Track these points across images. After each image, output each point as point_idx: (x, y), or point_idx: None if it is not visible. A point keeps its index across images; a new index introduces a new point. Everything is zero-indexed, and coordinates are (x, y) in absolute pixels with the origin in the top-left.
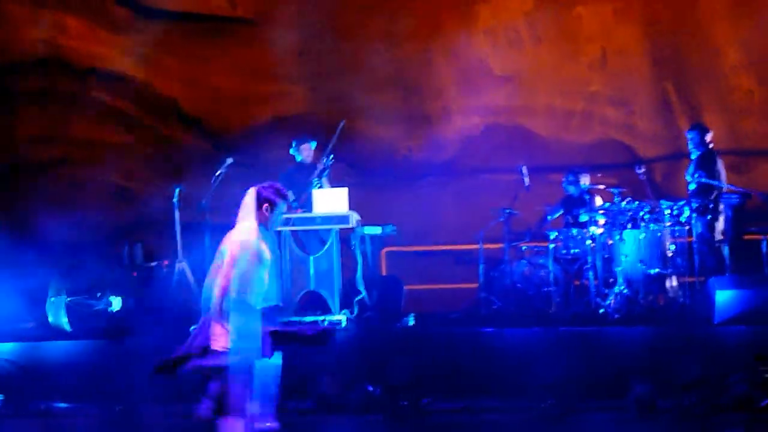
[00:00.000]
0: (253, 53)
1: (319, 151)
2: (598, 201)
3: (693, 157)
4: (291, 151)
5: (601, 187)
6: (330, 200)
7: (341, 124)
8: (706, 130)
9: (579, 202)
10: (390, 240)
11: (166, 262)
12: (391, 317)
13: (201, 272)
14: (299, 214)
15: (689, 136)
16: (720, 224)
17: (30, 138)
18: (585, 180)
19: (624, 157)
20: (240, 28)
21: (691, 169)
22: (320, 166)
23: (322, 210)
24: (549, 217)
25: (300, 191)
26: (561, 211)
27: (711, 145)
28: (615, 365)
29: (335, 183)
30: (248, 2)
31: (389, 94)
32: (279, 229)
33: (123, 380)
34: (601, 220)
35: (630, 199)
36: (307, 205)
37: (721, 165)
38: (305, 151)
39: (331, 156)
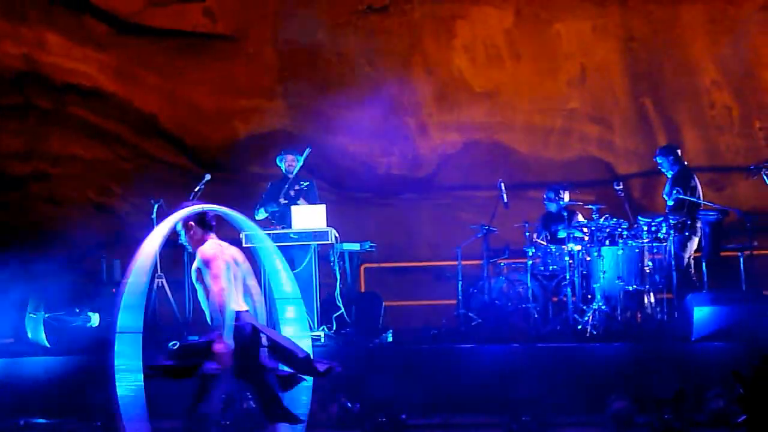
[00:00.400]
0: (233, 69)
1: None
2: (581, 217)
3: (669, 175)
4: (277, 162)
5: (579, 203)
6: (308, 216)
7: (307, 151)
8: (674, 149)
9: (558, 218)
10: (368, 256)
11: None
12: (370, 333)
13: (179, 288)
14: (278, 231)
15: (659, 160)
16: (695, 242)
17: (7, 153)
18: (565, 196)
19: (602, 173)
20: (220, 45)
21: (667, 188)
22: (296, 185)
23: (300, 226)
24: (537, 238)
25: (278, 204)
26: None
27: (685, 162)
28: (593, 381)
29: (313, 200)
30: (228, 19)
31: (367, 110)
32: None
33: (102, 396)
34: (580, 237)
35: (608, 215)
36: (286, 221)
37: (696, 181)
38: (287, 162)
39: (305, 183)
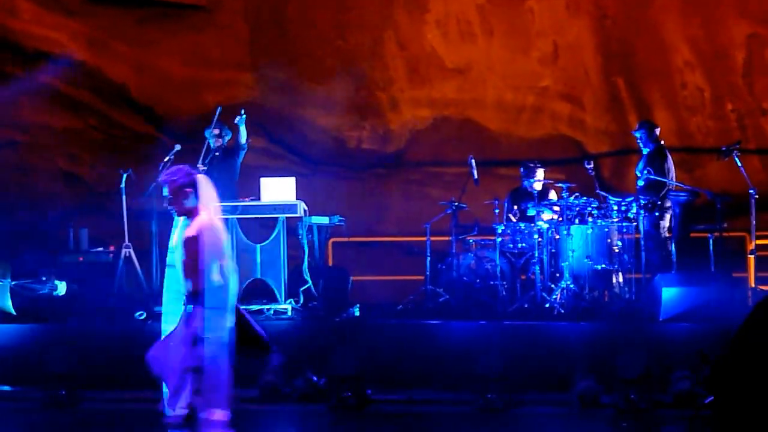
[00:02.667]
0: (204, 40)
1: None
2: (553, 195)
3: (645, 152)
4: (206, 133)
5: (551, 181)
6: (278, 189)
7: (218, 110)
8: (654, 127)
9: (528, 195)
10: (337, 230)
11: (112, 248)
12: (337, 307)
13: (146, 258)
14: (247, 202)
15: (637, 134)
16: (667, 221)
17: None
18: (538, 173)
19: (573, 152)
20: (191, 15)
21: (640, 165)
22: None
23: (270, 198)
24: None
25: (212, 172)
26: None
27: (661, 142)
28: (559, 360)
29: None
30: None
31: (338, 83)
32: (226, 216)
33: (66, 363)
34: (550, 215)
35: (578, 194)
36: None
37: (671, 162)
38: (214, 135)
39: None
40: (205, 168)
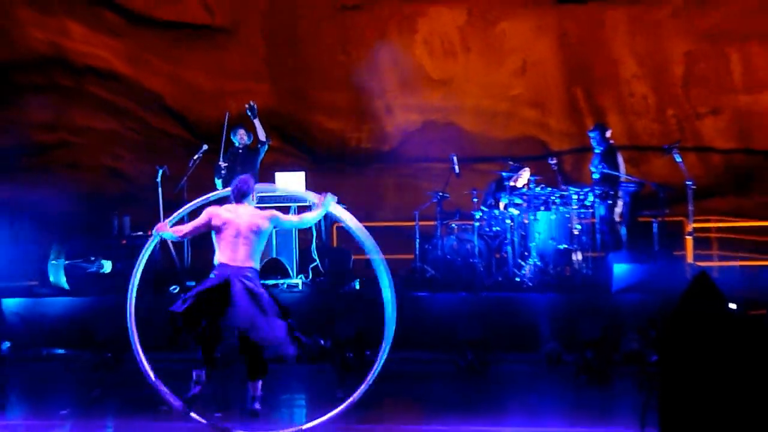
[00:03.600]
0: (227, 56)
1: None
2: (525, 177)
3: (597, 151)
4: (231, 136)
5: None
6: (290, 182)
7: (227, 115)
8: (605, 129)
9: (505, 188)
10: None
11: (150, 232)
12: (340, 282)
13: (180, 243)
14: (263, 192)
15: (591, 135)
16: (618, 208)
17: (36, 125)
18: (526, 173)
19: (539, 150)
20: (216, 35)
21: (595, 161)
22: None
23: (283, 190)
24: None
25: (236, 167)
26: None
27: (611, 141)
28: (528, 325)
29: (295, 168)
30: (224, 13)
31: (341, 93)
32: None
33: (112, 331)
34: (519, 204)
35: (543, 185)
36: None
37: (620, 158)
38: (239, 136)
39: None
40: (227, 164)
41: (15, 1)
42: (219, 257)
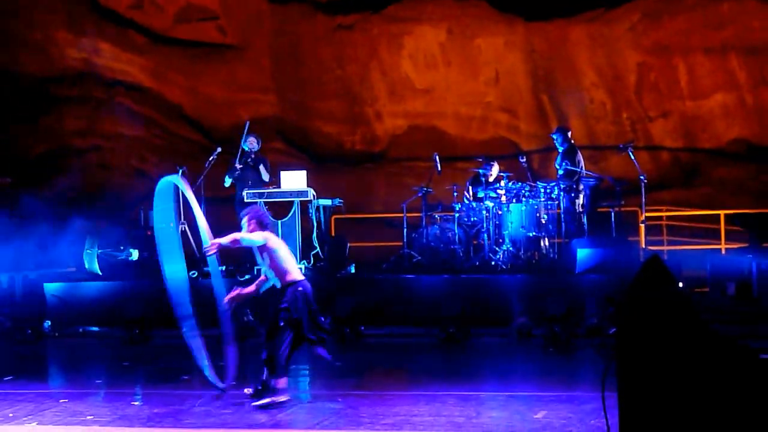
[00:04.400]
0: (238, 71)
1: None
2: (492, 178)
3: (560, 150)
4: (242, 143)
5: (502, 174)
6: (294, 179)
7: (247, 124)
8: (566, 130)
9: (480, 183)
10: (338, 209)
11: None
12: (338, 266)
13: (197, 231)
14: (270, 189)
15: (554, 136)
16: (580, 200)
17: (72, 131)
18: (495, 167)
19: (510, 150)
20: (228, 52)
21: (558, 159)
22: (250, 155)
23: (288, 187)
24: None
25: (247, 170)
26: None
27: (572, 141)
28: (501, 303)
29: (296, 168)
30: (235, 33)
31: (338, 101)
32: (255, 200)
33: (139, 310)
34: (494, 197)
35: (515, 180)
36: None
37: (580, 156)
38: (249, 143)
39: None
40: (241, 166)
41: (53, 24)
42: (297, 274)
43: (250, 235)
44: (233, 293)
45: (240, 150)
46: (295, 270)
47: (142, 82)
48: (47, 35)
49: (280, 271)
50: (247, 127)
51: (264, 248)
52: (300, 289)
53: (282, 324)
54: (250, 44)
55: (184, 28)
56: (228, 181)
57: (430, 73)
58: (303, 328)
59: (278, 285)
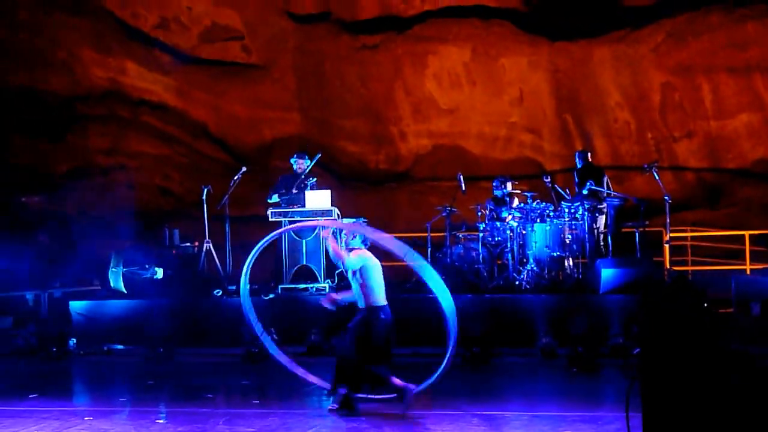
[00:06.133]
0: (262, 90)
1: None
2: (517, 201)
3: (586, 170)
4: (291, 161)
5: (518, 191)
6: (318, 199)
7: (317, 156)
8: (587, 153)
9: (502, 202)
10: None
11: (196, 243)
12: None
13: (221, 250)
14: (296, 209)
15: (577, 160)
16: (604, 220)
17: (97, 150)
18: (508, 186)
19: (535, 170)
20: (252, 71)
21: (583, 179)
22: (305, 181)
23: (312, 206)
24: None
25: (290, 192)
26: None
27: (591, 161)
28: (526, 323)
29: (322, 187)
30: (260, 52)
31: (361, 120)
32: (281, 219)
33: (164, 329)
34: (518, 216)
35: (539, 200)
36: (301, 202)
37: (605, 176)
38: (298, 164)
39: (313, 179)
40: (296, 191)
41: (80, 44)
42: (382, 299)
43: (351, 260)
44: (331, 296)
45: (292, 172)
46: (382, 295)
47: (167, 101)
48: (73, 55)
49: (367, 293)
50: (316, 158)
51: (360, 270)
52: (382, 316)
53: (354, 341)
54: (274, 63)
55: (208, 48)
56: (274, 199)
57: (455, 93)
58: (372, 353)
59: (361, 304)
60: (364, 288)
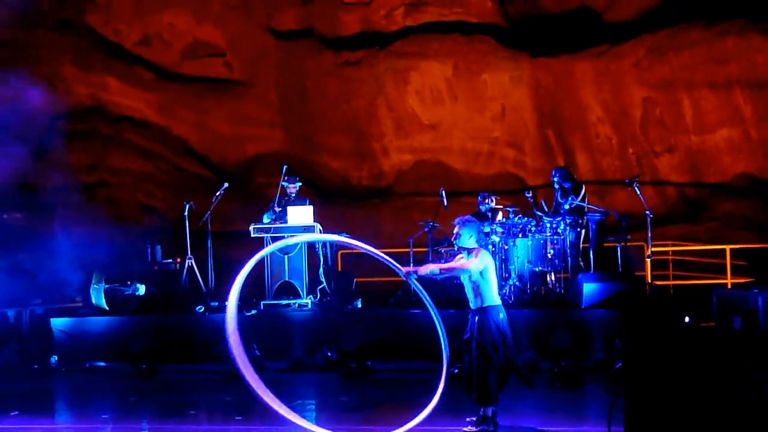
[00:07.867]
0: (245, 106)
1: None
2: (500, 217)
3: (566, 186)
4: (283, 182)
5: (500, 207)
6: (300, 215)
7: (284, 168)
8: (567, 168)
9: (484, 217)
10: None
11: (178, 259)
12: (344, 301)
13: (203, 267)
14: (278, 225)
15: (555, 178)
16: (583, 234)
17: (79, 166)
18: (491, 201)
19: (516, 185)
20: (235, 87)
21: (557, 196)
22: (295, 202)
23: (294, 222)
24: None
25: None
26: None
27: (575, 177)
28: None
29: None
30: (242, 69)
31: (344, 136)
32: (263, 236)
33: (146, 345)
34: (500, 231)
35: (521, 215)
36: (283, 218)
37: (585, 191)
38: (289, 187)
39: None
40: (280, 209)
41: (61, 60)
42: (496, 298)
43: (478, 262)
44: (411, 268)
45: (279, 191)
46: (496, 293)
47: (149, 118)
48: (55, 71)
49: (489, 292)
50: (284, 171)
51: (485, 269)
52: (499, 315)
53: (475, 351)
54: (256, 80)
55: (191, 64)
56: (267, 218)
57: (437, 109)
58: (498, 354)
59: (473, 305)
60: (489, 285)
